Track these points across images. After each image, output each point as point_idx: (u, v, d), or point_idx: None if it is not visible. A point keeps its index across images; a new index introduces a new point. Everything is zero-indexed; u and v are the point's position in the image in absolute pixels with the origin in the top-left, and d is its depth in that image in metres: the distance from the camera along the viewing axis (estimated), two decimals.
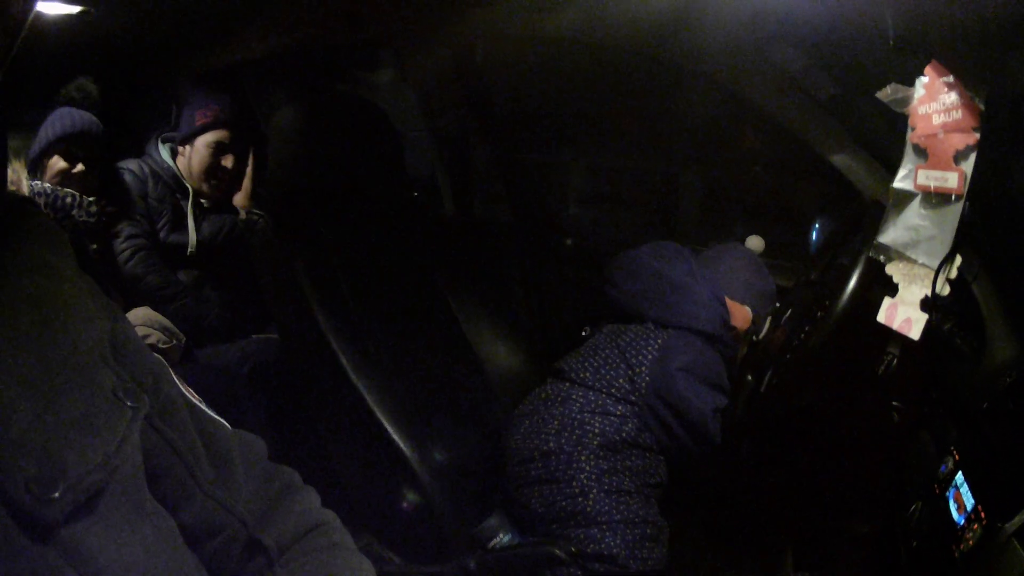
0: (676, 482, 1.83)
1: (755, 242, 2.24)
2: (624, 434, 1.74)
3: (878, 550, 1.51)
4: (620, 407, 1.76)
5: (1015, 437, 1.10)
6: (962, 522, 1.05)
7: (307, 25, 2.40)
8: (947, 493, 1.14)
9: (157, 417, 0.72)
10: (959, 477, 1.12)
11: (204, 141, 2.57)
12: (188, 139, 2.59)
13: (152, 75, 2.72)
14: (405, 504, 1.72)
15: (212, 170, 2.60)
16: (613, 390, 1.76)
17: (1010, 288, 1.31)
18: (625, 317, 1.89)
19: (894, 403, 1.53)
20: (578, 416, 1.76)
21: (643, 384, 1.74)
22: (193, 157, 2.58)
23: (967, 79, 1.17)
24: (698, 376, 1.72)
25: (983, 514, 1.00)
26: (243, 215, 2.70)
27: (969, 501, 1.06)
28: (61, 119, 2.27)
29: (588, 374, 1.81)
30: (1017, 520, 0.92)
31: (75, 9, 1.96)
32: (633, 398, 1.75)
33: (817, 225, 2.11)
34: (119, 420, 0.64)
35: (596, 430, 1.74)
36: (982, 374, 1.28)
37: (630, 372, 1.77)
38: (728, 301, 1.87)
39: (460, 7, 2.15)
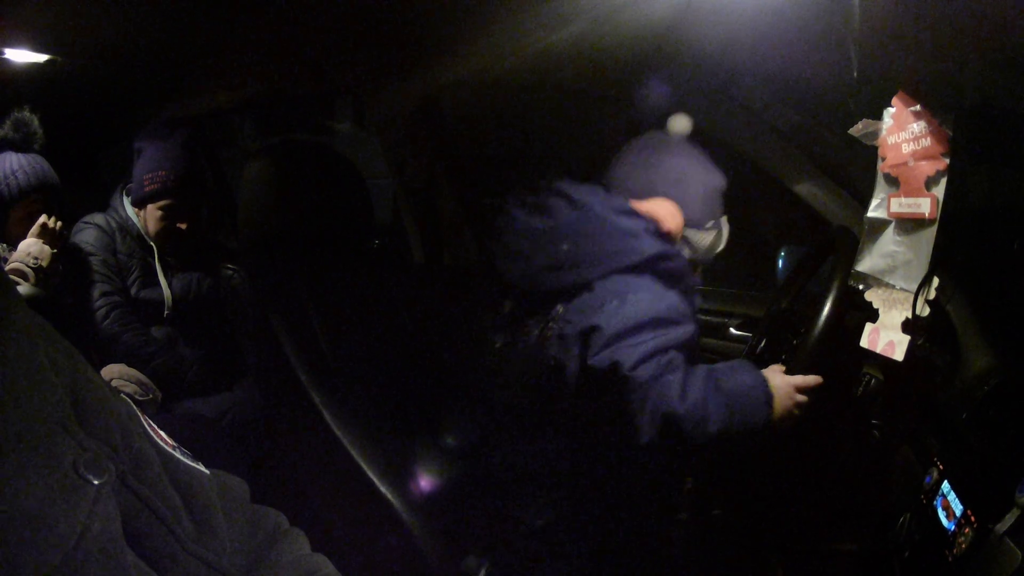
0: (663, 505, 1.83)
1: (680, 122, 1.78)
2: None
3: (868, 566, 1.53)
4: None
5: (997, 442, 1.14)
6: (952, 528, 1.07)
7: (272, 76, 2.42)
8: (935, 502, 1.16)
9: (131, 475, 0.67)
10: (945, 486, 1.15)
11: (155, 206, 2.53)
12: (139, 203, 2.55)
13: (117, 123, 2.69)
14: (391, 548, 1.70)
15: (167, 233, 2.56)
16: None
17: (980, 301, 1.36)
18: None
19: (874, 421, 1.56)
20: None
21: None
22: (148, 220, 2.55)
23: (933, 106, 1.23)
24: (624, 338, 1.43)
25: (973, 518, 1.03)
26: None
27: (958, 507, 1.08)
28: (31, 168, 2.22)
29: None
30: (1007, 519, 0.95)
31: (42, 58, 1.96)
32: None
33: (783, 253, 2.15)
34: (80, 503, 0.58)
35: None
36: (959, 386, 1.32)
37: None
38: (638, 204, 1.60)
39: (424, 55, 2.18)
